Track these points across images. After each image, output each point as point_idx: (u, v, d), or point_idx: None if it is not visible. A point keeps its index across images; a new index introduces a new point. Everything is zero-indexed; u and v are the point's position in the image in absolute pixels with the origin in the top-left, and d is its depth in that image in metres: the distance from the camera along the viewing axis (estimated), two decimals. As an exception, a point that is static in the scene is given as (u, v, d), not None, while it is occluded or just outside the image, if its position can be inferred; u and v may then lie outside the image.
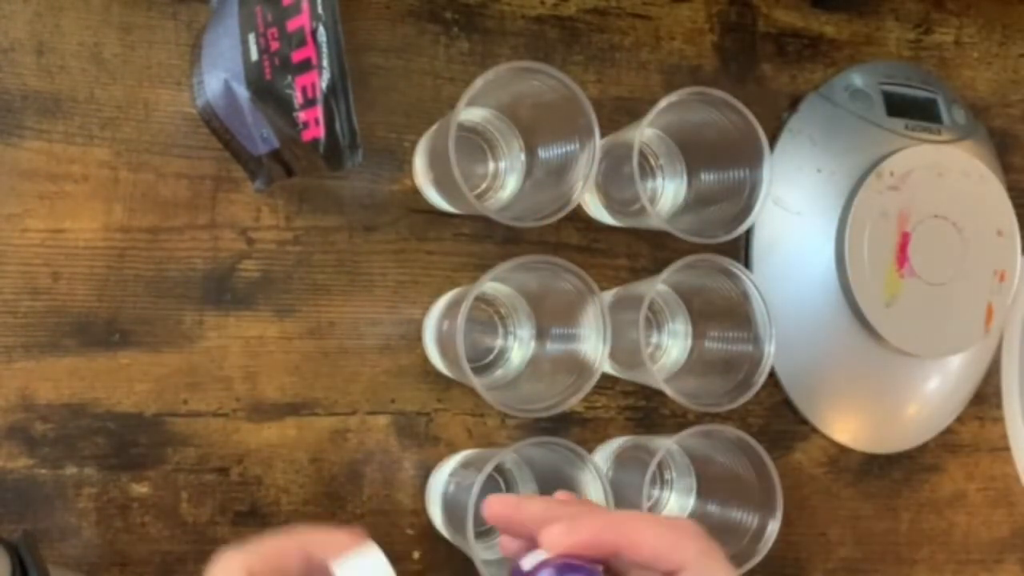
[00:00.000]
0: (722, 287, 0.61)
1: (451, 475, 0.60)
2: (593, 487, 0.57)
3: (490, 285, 0.59)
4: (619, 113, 0.66)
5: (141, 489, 0.57)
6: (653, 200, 0.64)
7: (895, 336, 0.68)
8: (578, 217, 0.65)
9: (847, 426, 0.71)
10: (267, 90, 0.52)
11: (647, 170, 0.65)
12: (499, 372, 0.62)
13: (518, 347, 0.62)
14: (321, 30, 0.51)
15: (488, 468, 0.54)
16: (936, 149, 0.69)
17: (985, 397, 0.75)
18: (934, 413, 0.73)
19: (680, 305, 0.65)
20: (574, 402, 0.56)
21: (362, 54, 0.62)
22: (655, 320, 0.65)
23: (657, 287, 0.58)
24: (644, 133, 0.57)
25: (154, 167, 0.58)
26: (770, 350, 0.59)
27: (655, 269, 0.64)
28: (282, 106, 0.52)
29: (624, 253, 0.66)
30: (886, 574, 0.72)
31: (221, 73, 0.54)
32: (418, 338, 0.62)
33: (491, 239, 0.64)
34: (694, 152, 0.63)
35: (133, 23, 0.58)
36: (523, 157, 0.61)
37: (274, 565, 0.38)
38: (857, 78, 0.70)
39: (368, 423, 0.61)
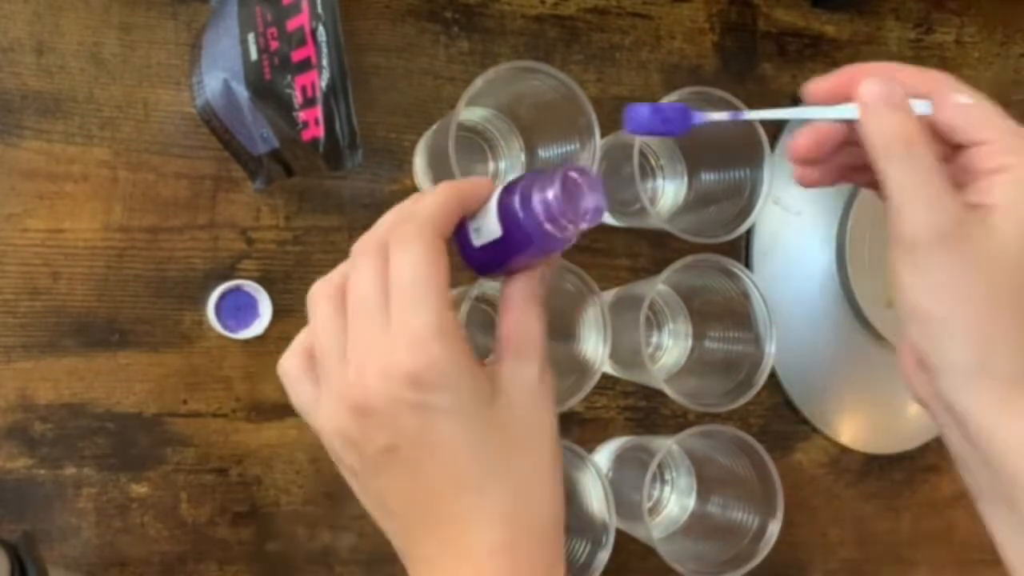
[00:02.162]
0: (722, 287, 0.61)
1: (451, 475, 0.60)
2: (593, 487, 0.57)
3: (490, 285, 0.59)
4: (619, 113, 0.66)
5: (141, 489, 0.57)
6: (653, 200, 0.64)
7: (896, 336, 0.67)
8: (578, 217, 0.64)
9: (847, 426, 0.70)
10: (267, 90, 0.52)
11: (647, 170, 0.65)
12: (499, 372, 0.62)
13: (518, 347, 0.62)
14: (321, 30, 0.51)
15: (488, 468, 0.54)
16: (937, 149, 0.69)
17: (986, 397, 0.75)
18: (935, 413, 0.73)
19: (680, 305, 0.65)
20: (574, 402, 0.56)
21: (362, 54, 0.61)
22: (655, 320, 0.65)
23: (657, 287, 0.58)
24: (644, 133, 0.57)
25: (154, 167, 0.58)
26: (770, 350, 0.59)
27: (655, 269, 0.64)
28: (282, 106, 0.52)
29: (624, 253, 0.66)
30: (887, 574, 0.72)
31: (221, 73, 0.54)
32: (418, 338, 0.62)
33: (491, 239, 0.63)
34: (694, 152, 0.63)
35: (133, 23, 0.58)
36: (523, 157, 0.61)
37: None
38: (857, 78, 0.70)
39: (368, 423, 0.61)
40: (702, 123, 0.42)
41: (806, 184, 0.43)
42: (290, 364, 0.40)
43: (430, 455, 0.36)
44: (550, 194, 0.36)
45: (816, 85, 0.40)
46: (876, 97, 0.38)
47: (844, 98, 0.39)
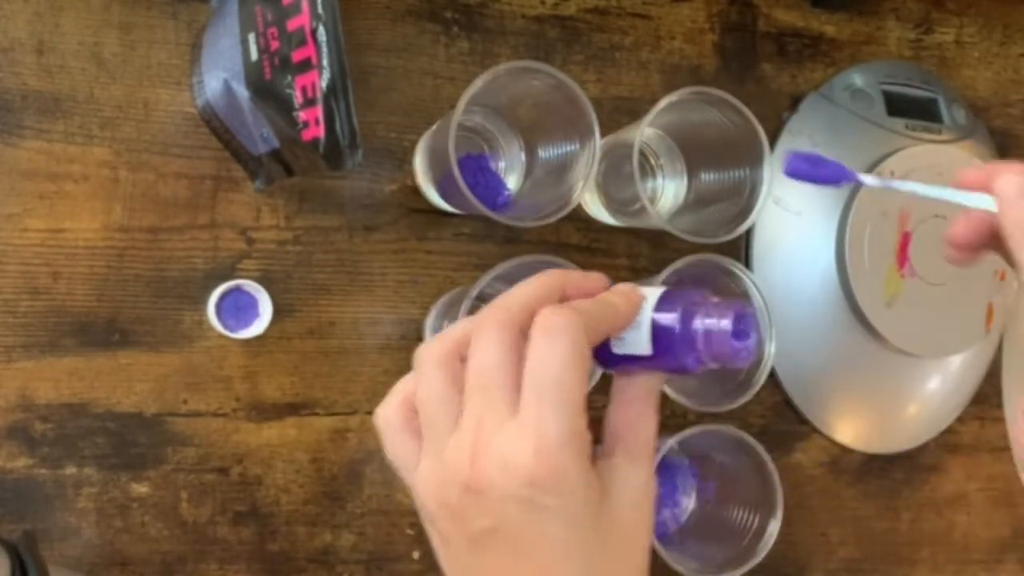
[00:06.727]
0: (722, 287, 0.61)
1: (451, 475, 0.60)
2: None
3: (490, 284, 0.59)
4: (619, 113, 0.66)
5: (141, 489, 0.57)
6: (653, 200, 0.64)
7: (895, 336, 0.68)
8: (578, 217, 0.65)
9: (847, 426, 0.70)
10: (267, 90, 0.52)
11: (647, 170, 0.65)
12: (499, 372, 0.62)
13: (518, 347, 0.62)
14: (321, 30, 0.51)
15: (488, 468, 0.54)
16: (936, 149, 0.69)
17: (985, 397, 0.75)
18: (934, 413, 0.73)
19: (680, 305, 0.65)
20: (574, 402, 0.56)
21: (362, 54, 0.62)
22: (655, 320, 0.65)
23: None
24: (644, 133, 0.57)
25: (154, 167, 0.58)
26: (770, 350, 0.59)
27: (655, 269, 0.64)
28: (282, 106, 0.52)
29: (624, 253, 0.66)
30: (887, 574, 0.72)
31: (221, 73, 0.54)
32: (418, 338, 0.62)
33: (491, 239, 0.64)
34: (694, 152, 0.63)
35: (133, 23, 0.58)
36: (523, 157, 0.61)
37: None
38: (857, 78, 0.70)
39: (368, 423, 0.61)
40: (853, 182, 0.49)
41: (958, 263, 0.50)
42: (389, 414, 0.39)
43: (529, 549, 0.35)
44: (720, 324, 0.36)
45: (965, 173, 0.48)
46: (1012, 189, 0.44)
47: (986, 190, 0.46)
